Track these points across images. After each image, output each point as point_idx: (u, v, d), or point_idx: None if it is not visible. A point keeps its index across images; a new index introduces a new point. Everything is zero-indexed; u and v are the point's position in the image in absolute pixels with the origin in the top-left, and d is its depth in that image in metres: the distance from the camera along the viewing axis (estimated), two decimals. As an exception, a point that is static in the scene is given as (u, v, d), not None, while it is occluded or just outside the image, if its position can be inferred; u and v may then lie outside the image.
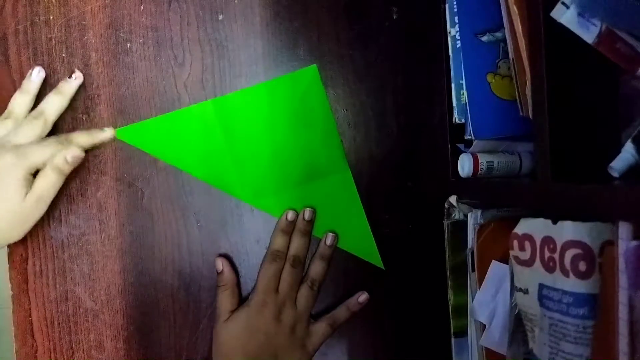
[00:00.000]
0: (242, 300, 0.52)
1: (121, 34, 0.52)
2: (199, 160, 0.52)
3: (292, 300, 0.51)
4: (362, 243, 0.53)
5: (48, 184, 0.46)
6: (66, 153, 0.46)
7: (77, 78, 0.50)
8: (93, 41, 0.52)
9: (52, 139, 0.47)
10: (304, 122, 0.52)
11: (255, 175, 0.52)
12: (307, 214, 0.51)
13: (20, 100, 0.49)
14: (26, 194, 0.45)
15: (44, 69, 0.51)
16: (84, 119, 0.51)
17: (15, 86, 0.51)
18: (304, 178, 0.52)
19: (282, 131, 0.52)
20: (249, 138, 0.52)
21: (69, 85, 0.50)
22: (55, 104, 0.49)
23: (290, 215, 0.51)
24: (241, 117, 0.52)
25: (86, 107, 0.52)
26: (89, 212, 0.52)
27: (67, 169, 0.47)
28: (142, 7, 0.52)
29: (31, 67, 0.50)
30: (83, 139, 0.49)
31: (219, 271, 0.52)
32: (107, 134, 0.50)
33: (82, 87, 0.51)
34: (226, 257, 0.53)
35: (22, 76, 0.51)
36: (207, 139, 0.52)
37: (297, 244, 0.51)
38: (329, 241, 0.52)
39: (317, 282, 0.51)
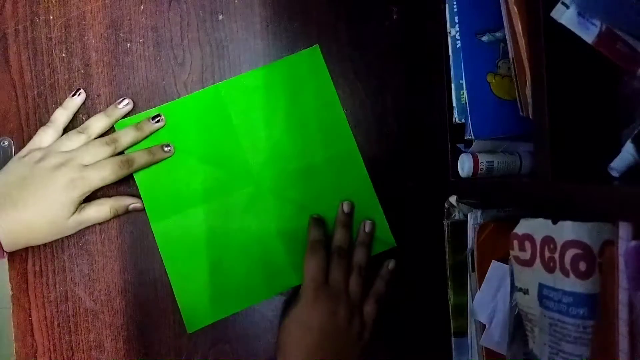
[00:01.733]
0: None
1: (121, 34, 0.52)
2: (205, 147, 0.52)
3: (346, 293, 0.50)
4: (372, 215, 0.53)
5: (97, 217, 0.49)
6: (130, 203, 0.50)
7: (129, 104, 0.51)
8: (93, 41, 0.52)
9: (112, 160, 0.48)
10: (306, 103, 0.53)
11: (260, 161, 0.52)
12: (346, 206, 0.52)
13: (100, 123, 0.50)
14: (73, 213, 0.47)
15: (44, 69, 0.51)
16: (84, 119, 0.51)
17: (15, 86, 0.51)
18: (311, 157, 0.53)
19: (286, 112, 0.52)
20: (252, 122, 0.52)
21: (147, 124, 0.50)
22: (129, 135, 0.49)
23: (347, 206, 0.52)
24: (244, 101, 0.52)
25: (86, 107, 0.52)
26: (89, 212, 0.52)
27: (122, 213, 0.50)
28: (142, 7, 0.52)
29: (31, 67, 0.51)
30: (144, 159, 0.49)
31: None
32: (168, 153, 0.50)
33: (82, 87, 0.51)
34: None
35: (22, 76, 0.51)
36: (211, 124, 0.52)
37: (340, 235, 0.51)
38: (367, 228, 0.52)
39: (363, 268, 0.51)
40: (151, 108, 0.52)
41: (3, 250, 0.45)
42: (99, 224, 0.51)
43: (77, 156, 0.47)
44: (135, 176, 0.51)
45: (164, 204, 0.51)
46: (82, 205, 0.48)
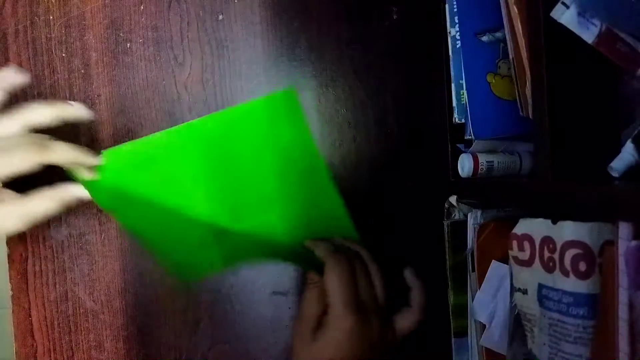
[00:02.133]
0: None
1: (121, 34, 0.52)
2: (177, 189, 0.47)
3: (378, 310, 0.46)
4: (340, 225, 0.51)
5: (38, 210, 0.40)
6: (78, 192, 0.41)
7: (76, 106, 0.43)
8: (93, 41, 0.52)
9: (29, 140, 0.39)
10: (281, 147, 0.48)
11: (235, 197, 0.48)
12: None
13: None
14: None
15: (44, 69, 0.51)
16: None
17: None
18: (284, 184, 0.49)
19: (259, 157, 0.48)
20: (225, 162, 0.48)
21: (67, 109, 0.42)
22: (43, 114, 0.41)
23: None
24: (215, 141, 0.47)
25: (86, 107, 0.51)
26: (89, 212, 0.52)
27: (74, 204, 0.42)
28: (142, 7, 0.52)
29: (31, 67, 0.50)
30: (66, 155, 0.39)
31: None
32: (93, 160, 0.41)
33: (82, 87, 0.51)
34: None
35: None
36: (183, 165, 0.46)
37: (347, 244, 0.49)
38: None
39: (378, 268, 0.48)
40: (151, 108, 0.52)
41: None
42: (99, 223, 0.51)
43: None
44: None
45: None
46: (21, 196, 0.40)
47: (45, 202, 0.40)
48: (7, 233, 0.40)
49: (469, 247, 0.45)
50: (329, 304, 0.44)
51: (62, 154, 0.39)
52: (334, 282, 0.44)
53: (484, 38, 0.45)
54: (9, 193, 0.40)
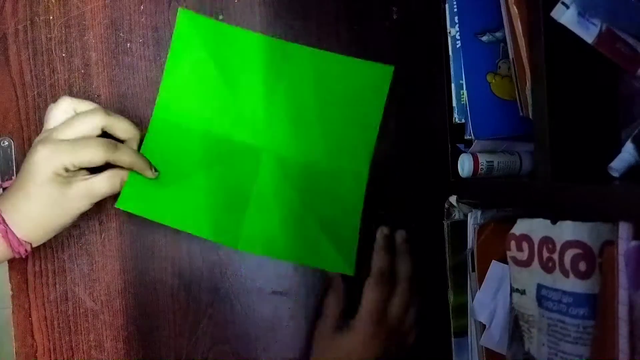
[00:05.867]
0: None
1: (121, 34, 0.52)
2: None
3: (399, 332, 0.49)
4: (344, 245, 0.51)
5: (104, 188, 0.45)
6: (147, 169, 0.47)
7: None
8: (93, 41, 0.52)
9: (98, 139, 0.45)
10: (350, 109, 0.52)
11: (272, 135, 0.52)
12: (403, 234, 0.52)
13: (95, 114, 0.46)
14: (67, 185, 0.43)
15: (44, 69, 0.51)
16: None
17: (15, 86, 0.51)
18: (323, 157, 0.52)
19: (325, 107, 0.52)
20: (288, 95, 0.52)
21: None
22: (120, 120, 0.47)
23: (386, 230, 0.51)
24: (294, 72, 0.52)
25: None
26: (89, 212, 0.52)
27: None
28: (142, 7, 0.52)
29: (31, 67, 0.50)
30: (130, 157, 0.46)
31: None
32: (151, 175, 0.47)
33: (82, 87, 0.51)
34: None
35: (22, 76, 0.51)
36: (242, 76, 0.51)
37: (407, 265, 0.51)
38: (402, 237, 0.52)
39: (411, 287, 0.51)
40: (151, 108, 0.52)
41: (20, 242, 0.43)
42: (99, 223, 0.51)
43: (56, 130, 0.44)
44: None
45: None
46: (89, 176, 0.45)
47: (110, 180, 0.45)
48: (77, 210, 0.45)
49: (469, 247, 0.45)
50: (360, 311, 0.48)
51: (127, 158, 0.45)
52: (369, 294, 0.48)
53: (484, 38, 0.45)
54: (82, 172, 0.45)
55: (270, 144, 0.52)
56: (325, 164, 0.52)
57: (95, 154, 0.43)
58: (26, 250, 0.44)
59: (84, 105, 0.46)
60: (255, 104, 0.52)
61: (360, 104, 0.52)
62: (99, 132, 0.45)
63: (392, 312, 0.49)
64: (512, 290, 0.37)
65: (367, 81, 0.52)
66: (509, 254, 0.37)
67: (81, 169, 0.44)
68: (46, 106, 0.51)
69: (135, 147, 0.48)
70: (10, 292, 0.51)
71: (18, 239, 0.43)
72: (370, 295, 0.49)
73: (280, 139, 0.52)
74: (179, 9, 0.51)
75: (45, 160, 0.42)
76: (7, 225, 0.43)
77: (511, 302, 0.38)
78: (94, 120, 0.45)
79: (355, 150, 0.52)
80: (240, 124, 0.52)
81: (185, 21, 0.51)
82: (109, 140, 0.45)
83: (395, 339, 0.49)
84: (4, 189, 0.46)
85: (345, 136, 0.52)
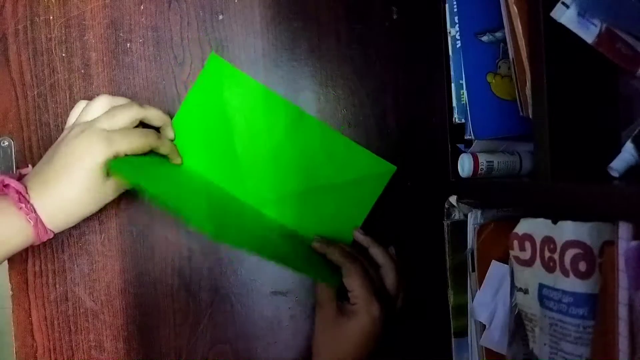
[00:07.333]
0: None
1: (121, 34, 0.52)
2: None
3: (388, 299, 0.50)
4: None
5: (127, 143, 0.46)
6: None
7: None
8: (93, 41, 0.52)
9: (137, 129, 0.47)
10: (346, 191, 0.53)
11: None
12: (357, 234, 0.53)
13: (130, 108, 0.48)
14: (104, 177, 0.45)
15: (44, 69, 0.51)
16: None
17: (15, 86, 0.51)
18: (312, 228, 0.53)
19: (324, 182, 0.53)
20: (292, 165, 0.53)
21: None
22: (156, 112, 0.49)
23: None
24: (304, 142, 0.53)
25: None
26: (89, 212, 0.52)
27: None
28: (142, 7, 0.52)
29: (31, 67, 0.50)
30: (166, 146, 0.49)
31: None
32: (178, 163, 0.51)
33: (82, 87, 0.51)
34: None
35: (22, 76, 0.51)
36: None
37: (377, 248, 0.51)
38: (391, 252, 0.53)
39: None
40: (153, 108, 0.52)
41: (46, 230, 0.44)
42: (99, 223, 0.51)
43: (97, 120, 0.46)
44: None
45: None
46: None
47: (132, 137, 0.46)
48: (106, 200, 0.46)
49: (469, 247, 0.45)
50: (354, 298, 0.47)
51: (167, 146, 0.50)
52: (357, 280, 0.47)
53: (484, 38, 0.45)
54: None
55: (265, 206, 0.52)
56: (312, 233, 0.53)
57: (145, 142, 0.47)
58: (48, 239, 0.45)
59: (121, 100, 0.48)
60: (259, 162, 0.52)
61: (356, 189, 0.53)
62: (137, 123, 0.48)
63: (380, 283, 0.49)
64: (516, 289, 0.37)
65: (369, 172, 0.53)
66: (511, 253, 0.38)
67: None
68: (46, 106, 0.51)
69: (170, 132, 0.51)
70: (10, 292, 0.51)
71: (45, 227, 0.44)
72: (357, 281, 0.47)
73: (277, 202, 0.53)
74: (211, 53, 0.51)
75: (97, 146, 0.44)
76: (37, 213, 0.43)
77: (512, 302, 0.38)
78: (132, 113, 0.47)
79: (343, 226, 0.53)
80: (240, 179, 0.52)
81: (213, 66, 0.51)
82: (153, 130, 0.49)
83: (388, 307, 0.49)
84: (23, 176, 0.46)
85: (337, 212, 0.53)
